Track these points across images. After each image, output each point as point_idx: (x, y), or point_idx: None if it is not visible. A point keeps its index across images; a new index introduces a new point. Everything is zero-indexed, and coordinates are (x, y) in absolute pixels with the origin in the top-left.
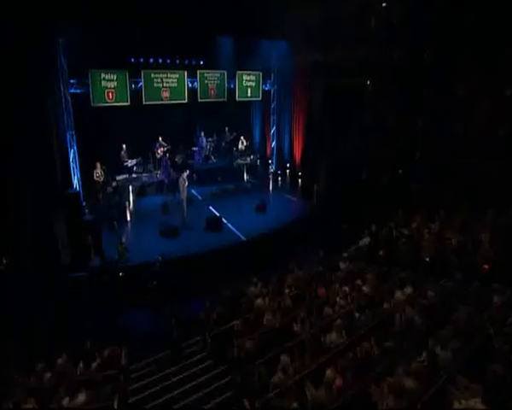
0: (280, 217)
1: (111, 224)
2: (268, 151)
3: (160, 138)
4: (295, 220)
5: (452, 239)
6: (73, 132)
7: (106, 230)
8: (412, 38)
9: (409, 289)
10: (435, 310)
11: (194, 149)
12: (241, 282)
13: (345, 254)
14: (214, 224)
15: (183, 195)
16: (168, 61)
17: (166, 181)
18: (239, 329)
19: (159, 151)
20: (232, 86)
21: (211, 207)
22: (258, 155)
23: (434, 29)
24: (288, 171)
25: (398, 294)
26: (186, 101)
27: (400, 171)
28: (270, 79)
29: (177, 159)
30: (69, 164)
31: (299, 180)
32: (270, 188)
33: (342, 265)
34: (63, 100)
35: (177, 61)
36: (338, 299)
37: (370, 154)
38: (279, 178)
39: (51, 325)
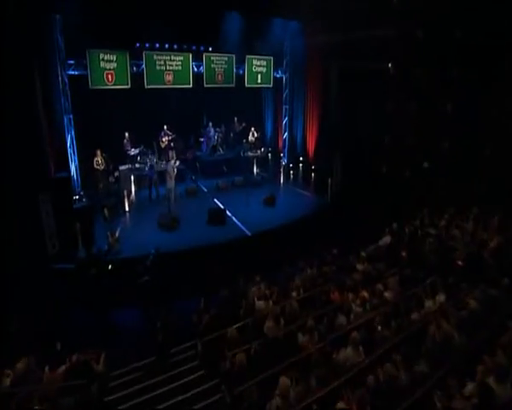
0: (290, 212)
1: (104, 212)
2: (279, 143)
3: (165, 127)
4: (307, 216)
5: (490, 240)
6: (71, 116)
7: (102, 219)
8: (439, 15)
9: (441, 297)
10: (479, 325)
11: (201, 139)
12: (243, 281)
13: (363, 254)
14: (217, 216)
15: (171, 184)
16: (172, 43)
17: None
18: (232, 336)
19: (163, 140)
20: (241, 72)
21: (216, 200)
22: (270, 148)
23: (466, 3)
24: (300, 164)
25: (429, 303)
26: (191, 85)
27: (426, 164)
28: (282, 66)
29: (188, 154)
30: (66, 149)
31: (313, 174)
32: (281, 182)
33: (359, 266)
34: (60, 81)
35: (182, 43)
36: (354, 306)
37: (392, 145)
38: (291, 172)
39: (30, 320)
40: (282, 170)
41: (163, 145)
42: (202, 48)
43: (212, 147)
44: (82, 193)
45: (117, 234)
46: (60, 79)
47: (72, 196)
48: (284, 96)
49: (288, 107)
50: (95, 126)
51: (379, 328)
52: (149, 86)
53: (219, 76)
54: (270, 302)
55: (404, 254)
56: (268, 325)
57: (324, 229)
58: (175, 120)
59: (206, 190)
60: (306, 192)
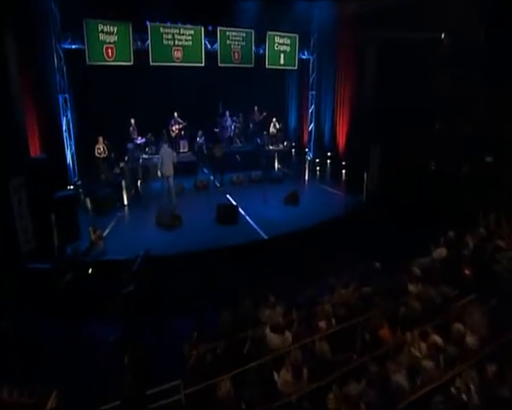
0: (317, 212)
1: (87, 204)
2: (304, 135)
3: (176, 114)
4: (337, 218)
5: None
6: (67, 96)
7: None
8: None
9: None
10: None
11: (216, 130)
12: (252, 302)
13: (416, 270)
14: (228, 214)
15: (169, 171)
16: (182, 14)
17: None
18: (225, 393)
19: (173, 128)
20: (261, 51)
21: (228, 196)
22: (293, 142)
23: None
24: (328, 159)
25: None
26: (203, 64)
27: (489, 158)
28: (309, 45)
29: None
30: (62, 133)
31: (343, 171)
32: (306, 178)
33: (413, 287)
34: (55, 56)
35: (193, 15)
36: (417, 352)
37: (444, 133)
38: (317, 168)
39: None
40: (307, 165)
41: (173, 134)
42: (216, 21)
43: (227, 138)
44: (79, 183)
45: (105, 232)
46: (54, 53)
47: (52, 182)
48: (311, 80)
49: (314, 93)
50: (96, 110)
51: (464, 397)
52: (155, 63)
53: (236, 54)
54: (289, 337)
55: (467, 272)
56: (283, 376)
57: (359, 235)
58: (186, 106)
59: (218, 184)
60: (336, 190)
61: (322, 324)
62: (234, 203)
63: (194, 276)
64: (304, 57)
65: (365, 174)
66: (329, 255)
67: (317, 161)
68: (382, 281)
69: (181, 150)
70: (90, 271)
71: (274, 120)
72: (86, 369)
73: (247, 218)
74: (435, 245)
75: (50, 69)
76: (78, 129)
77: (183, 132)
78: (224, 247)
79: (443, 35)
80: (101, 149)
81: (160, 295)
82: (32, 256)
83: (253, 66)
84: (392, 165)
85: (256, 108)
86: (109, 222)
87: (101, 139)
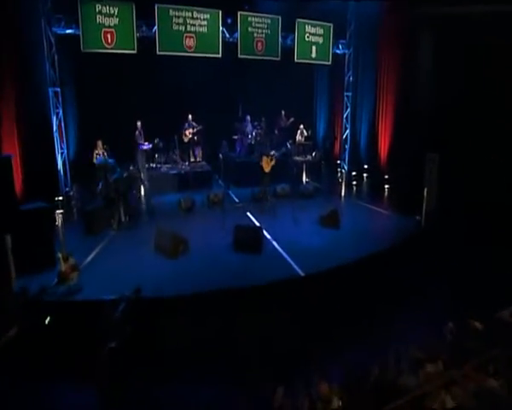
0: (363, 239)
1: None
2: (336, 144)
3: (190, 116)
4: (393, 247)
5: None
6: (58, 90)
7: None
8: None
9: None
10: None
11: (235, 137)
12: (281, 387)
13: None
14: (249, 239)
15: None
16: None
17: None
18: None
19: (186, 133)
20: (289, 42)
21: (249, 214)
22: (323, 150)
23: None
24: (366, 172)
25: None
26: (220, 55)
27: None
28: (344, 37)
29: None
30: (52, 134)
31: (386, 186)
32: (342, 194)
33: None
34: (44, 42)
35: None
36: None
37: None
38: (353, 182)
39: None
40: (342, 179)
41: (186, 139)
42: (236, 5)
43: (248, 145)
44: (72, 193)
45: (88, 257)
46: (44, 38)
47: (13, 187)
48: (346, 79)
49: (350, 94)
50: (95, 109)
51: None
52: (163, 52)
53: (259, 44)
54: None
55: None
56: None
57: (423, 270)
58: (198, 106)
59: (237, 200)
60: (381, 209)
61: None
62: (256, 224)
63: (201, 327)
64: (338, 52)
65: (425, 190)
66: (387, 300)
67: (354, 173)
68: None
69: (192, 160)
70: (47, 321)
71: (301, 126)
72: None
73: (275, 244)
74: None
75: (39, 58)
76: (73, 130)
77: (196, 138)
78: (244, 287)
79: None
80: (100, 154)
81: (152, 353)
82: None
83: (279, 59)
84: (455, 179)
85: (283, 112)
86: (97, 244)
87: (100, 144)
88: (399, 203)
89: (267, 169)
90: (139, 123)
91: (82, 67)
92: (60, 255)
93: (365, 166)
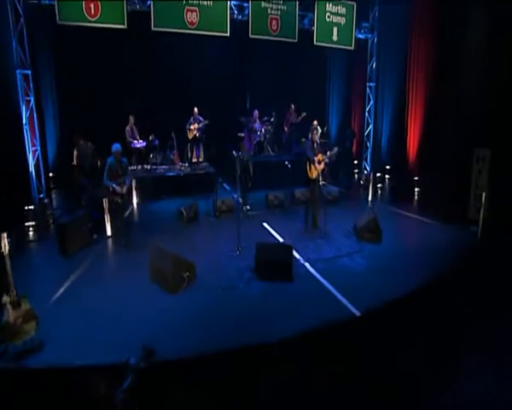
0: (416, 256)
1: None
2: (354, 142)
3: (196, 109)
4: (455, 265)
5: None
6: (29, 73)
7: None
8: None
9: None
10: None
11: (242, 134)
12: None
13: None
14: (275, 263)
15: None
16: None
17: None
18: None
19: (191, 128)
20: (307, 22)
21: (266, 225)
22: (342, 148)
23: None
24: (389, 173)
25: None
26: (227, 33)
27: None
28: (367, 19)
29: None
30: (21, 127)
31: (416, 189)
32: (369, 199)
33: None
34: (9, 12)
35: None
36: None
37: None
38: (378, 185)
39: None
40: (365, 181)
41: (190, 136)
42: None
43: (255, 144)
44: (47, 201)
45: (54, 295)
46: (10, 8)
47: None
48: (369, 67)
49: (373, 85)
50: (77, 97)
51: None
52: (159, 28)
53: (274, 23)
54: None
55: None
56: None
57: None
58: (200, 96)
59: (248, 207)
60: (420, 217)
61: None
62: (282, 241)
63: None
64: (361, 37)
65: (483, 194)
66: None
67: (378, 175)
68: None
69: (194, 160)
70: None
71: (315, 122)
72: None
73: (311, 269)
74: None
75: (2, 32)
76: (52, 123)
77: (198, 134)
78: (270, 342)
79: None
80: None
81: None
82: None
83: (296, 40)
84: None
85: (293, 106)
86: (72, 270)
87: (81, 142)
88: (440, 210)
89: (314, 174)
90: (132, 118)
91: (60, 45)
92: (5, 298)
93: (387, 167)
